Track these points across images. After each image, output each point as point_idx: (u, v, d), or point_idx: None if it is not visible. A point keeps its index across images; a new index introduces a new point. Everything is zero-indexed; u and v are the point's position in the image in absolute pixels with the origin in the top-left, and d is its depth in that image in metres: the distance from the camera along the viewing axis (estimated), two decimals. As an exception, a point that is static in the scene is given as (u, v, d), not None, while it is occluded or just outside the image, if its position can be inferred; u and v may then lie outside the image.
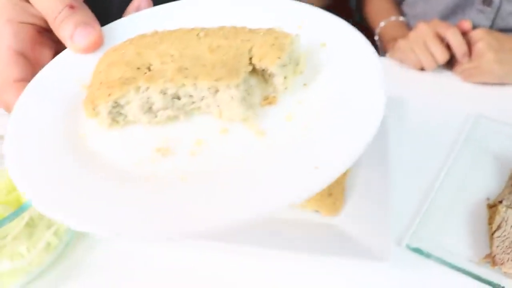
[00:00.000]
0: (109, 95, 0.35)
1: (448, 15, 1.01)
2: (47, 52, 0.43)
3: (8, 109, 0.38)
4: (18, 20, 0.41)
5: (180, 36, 0.39)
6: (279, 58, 0.35)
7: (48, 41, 0.44)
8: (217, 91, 0.34)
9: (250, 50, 0.36)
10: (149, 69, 0.37)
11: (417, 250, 0.51)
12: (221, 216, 0.27)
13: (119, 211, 0.29)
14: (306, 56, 0.38)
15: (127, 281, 0.53)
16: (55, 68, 0.40)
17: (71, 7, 0.40)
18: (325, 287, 0.51)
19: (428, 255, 0.51)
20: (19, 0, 0.41)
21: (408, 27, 1.06)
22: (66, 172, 0.32)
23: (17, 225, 0.51)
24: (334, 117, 0.33)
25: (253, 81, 0.36)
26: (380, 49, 1.09)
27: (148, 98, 0.36)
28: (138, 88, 0.35)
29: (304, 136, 0.33)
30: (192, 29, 0.40)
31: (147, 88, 0.35)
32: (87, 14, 0.41)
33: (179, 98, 0.36)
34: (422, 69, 0.90)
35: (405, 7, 1.12)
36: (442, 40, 0.87)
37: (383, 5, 1.14)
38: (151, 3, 0.47)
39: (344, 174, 0.59)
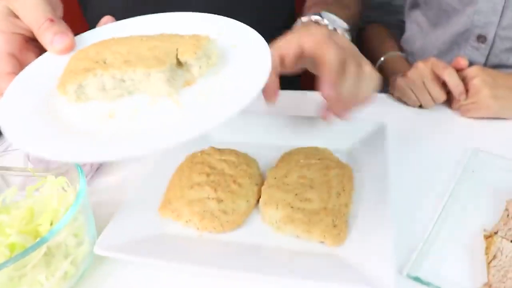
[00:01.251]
0: (76, 78, 0.49)
1: (445, 51, 1.05)
2: (32, 55, 0.57)
3: (1, 94, 0.51)
4: (10, 31, 0.56)
5: (128, 41, 0.54)
6: (195, 53, 0.50)
7: (33, 48, 0.58)
8: (149, 75, 0.49)
9: (177, 49, 0.51)
10: (104, 62, 0.51)
11: (417, 279, 0.54)
12: (150, 142, 0.43)
13: (73, 143, 0.45)
14: (218, 53, 0.52)
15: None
16: (38, 65, 0.55)
17: (51, 20, 0.54)
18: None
19: (427, 284, 0.53)
20: (11, 16, 0.56)
21: (407, 62, 1.11)
22: (41, 125, 0.47)
23: (37, 255, 0.53)
24: (233, 87, 0.49)
25: (179, 71, 0.51)
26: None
27: (102, 81, 0.50)
28: (95, 74, 0.49)
29: (212, 105, 0.47)
30: (139, 36, 0.55)
31: (102, 74, 0.50)
32: (63, 25, 0.55)
33: (124, 81, 0.50)
34: (420, 106, 0.94)
35: (404, 44, 1.17)
36: (439, 80, 0.90)
37: (382, 41, 1.19)
38: (114, 20, 0.62)
39: (347, 208, 0.62)
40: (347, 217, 0.61)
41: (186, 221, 0.63)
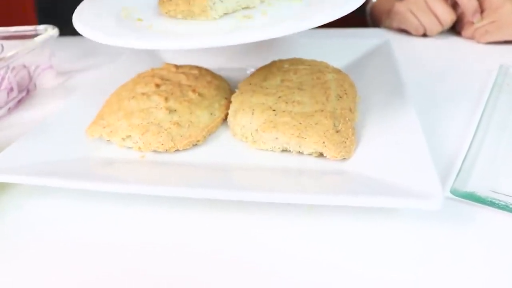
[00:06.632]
0: None
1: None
2: None
3: None
4: None
5: None
6: None
7: None
8: None
9: None
10: None
11: (469, 196, 0.36)
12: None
13: None
14: None
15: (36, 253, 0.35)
16: None
17: None
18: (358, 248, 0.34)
19: (484, 201, 0.35)
20: None
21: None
22: None
23: None
24: None
25: None
26: (371, 25, 0.97)
27: None
28: None
29: None
30: None
31: None
32: None
33: None
34: (424, 34, 0.78)
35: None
36: None
37: None
38: None
39: (353, 114, 0.44)
40: (353, 124, 0.43)
41: (123, 138, 0.44)
